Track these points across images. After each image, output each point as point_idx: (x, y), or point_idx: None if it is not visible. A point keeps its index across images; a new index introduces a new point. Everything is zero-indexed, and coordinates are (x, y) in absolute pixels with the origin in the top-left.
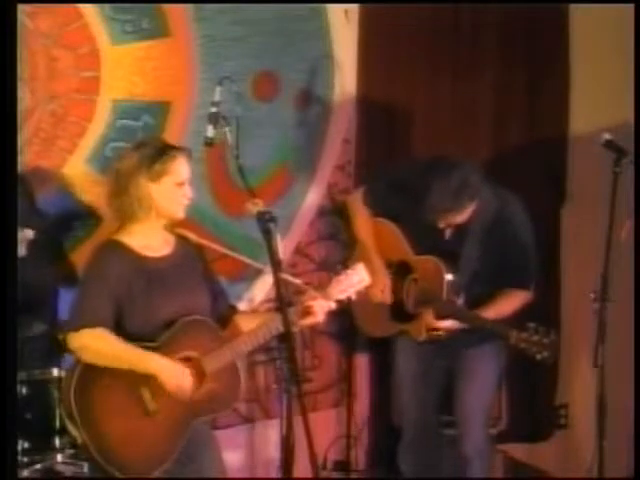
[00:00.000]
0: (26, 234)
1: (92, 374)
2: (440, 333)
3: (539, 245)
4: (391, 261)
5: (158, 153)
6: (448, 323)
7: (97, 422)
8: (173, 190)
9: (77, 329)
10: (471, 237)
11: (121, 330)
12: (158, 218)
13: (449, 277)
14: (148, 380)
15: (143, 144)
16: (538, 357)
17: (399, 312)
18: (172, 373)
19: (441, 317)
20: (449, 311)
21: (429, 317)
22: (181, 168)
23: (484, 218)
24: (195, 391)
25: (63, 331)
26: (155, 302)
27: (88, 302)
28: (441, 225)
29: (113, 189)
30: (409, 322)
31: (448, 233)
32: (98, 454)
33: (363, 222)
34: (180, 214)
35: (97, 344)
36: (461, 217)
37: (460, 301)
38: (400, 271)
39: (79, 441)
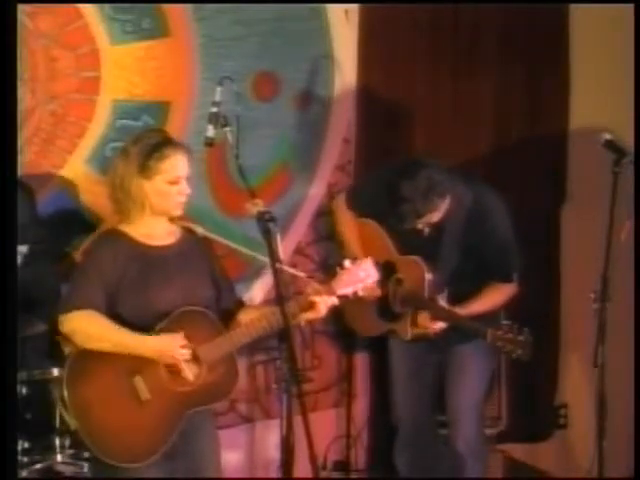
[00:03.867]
0: (20, 249)
1: (85, 361)
2: (426, 332)
3: (539, 244)
4: (376, 262)
5: (150, 150)
6: (437, 325)
7: (89, 409)
8: (165, 188)
9: (67, 311)
10: (448, 233)
11: (116, 317)
12: (153, 214)
13: (429, 276)
14: (142, 368)
15: (139, 139)
16: (513, 355)
17: (386, 312)
18: (164, 347)
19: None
20: (430, 310)
21: (415, 317)
22: (176, 165)
23: (459, 213)
24: (190, 381)
25: (55, 315)
26: (152, 290)
27: (80, 286)
28: (419, 226)
29: (110, 183)
30: (396, 321)
31: (427, 231)
32: (90, 441)
33: (346, 224)
34: (177, 211)
35: (87, 326)
36: (436, 215)
37: (443, 298)
38: (385, 271)
39: (71, 428)
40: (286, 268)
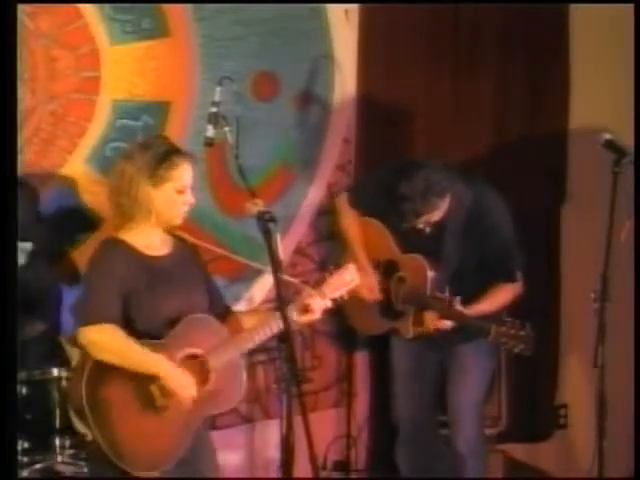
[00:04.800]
0: (25, 246)
1: (102, 370)
2: (428, 330)
3: (539, 244)
4: (379, 260)
5: (161, 158)
6: (444, 323)
7: (107, 418)
8: (173, 196)
9: (85, 324)
10: (449, 232)
11: (129, 327)
12: (157, 222)
13: (432, 274)
14: (157, 377)
15: (148, 146)
16: (516, 350)
17: (388, 310)
18: (176, 378)
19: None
20: (432, 308)
21: (417, 316)
22: (183, 175)
23: (460, 212)
24: (200, 388)
25: (73, 328)
26: (159, 299)
27: (96, 299)
28: (420, 226)
29: (115, 187)
30: (398, 320)
31: (429, 230)
32: (109, 450)
33: (350, 222)
34: (178, 220)
35: (105, 340)
36: (437, 215)
37: (445, 297)
38: (388, 269)
39: (89, 437)
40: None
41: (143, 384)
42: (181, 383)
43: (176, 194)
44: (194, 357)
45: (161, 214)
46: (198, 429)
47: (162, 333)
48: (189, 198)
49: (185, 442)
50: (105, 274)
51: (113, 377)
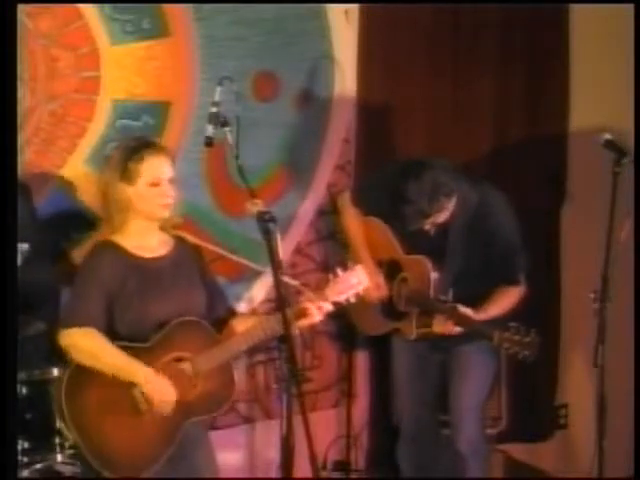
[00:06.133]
0: (21, 247)
1: (83, 374)
2: (431, 331)
3: (539, 244)
4: (382, 260)
5: (129, 154)
6: (449, 329)
7: (89, 422)
8: (147, 191)
9: (67, 327)
10: (454, 234)
11: (114, 330)
12: (137, 219)
13: (435, 275)
14: (136, 383)
15: (120, 145)
16: (520, 356)
17: (391, 310)
18: (154, 384)
19: (429, 316)
20: (436, 310)
21: (420, 317)
22: (155, 167)
23: (465, 214)
24: (188, 392)
25: (55, 330)
26: (148, 302)
27: (79, 301)
28: (426, 227)
29: (98, 191)
30: (400, 321)
31: (433, 231)
32: (90, 454)
33: (352, 221)
34: (163, 214)
35: (86, 344)
36: (443, 216)
37: (448, 298)
38: (390, 270)
39: (71, 442)
40: (282, 277)
41: (126, 387)
42: (158, 389)
43: (148, 188)
44: (180, 360)
45: (139, 210)
46: (187, 432)
47: (152, 336)
48: (166, 190)
49: (169, 446)
50: (89, 277)
51: (95, 381)
